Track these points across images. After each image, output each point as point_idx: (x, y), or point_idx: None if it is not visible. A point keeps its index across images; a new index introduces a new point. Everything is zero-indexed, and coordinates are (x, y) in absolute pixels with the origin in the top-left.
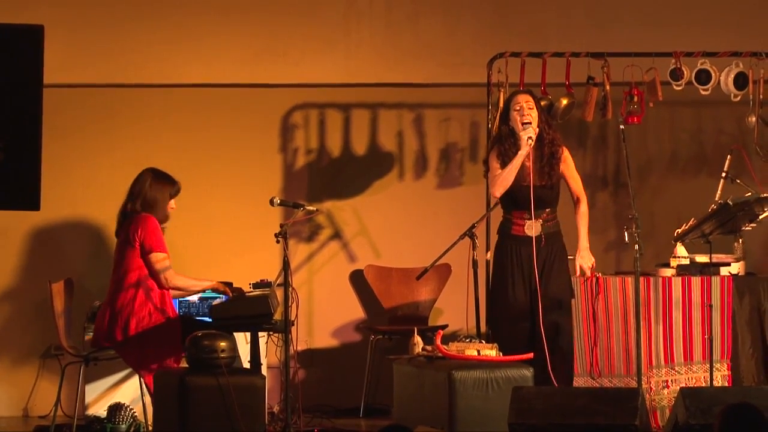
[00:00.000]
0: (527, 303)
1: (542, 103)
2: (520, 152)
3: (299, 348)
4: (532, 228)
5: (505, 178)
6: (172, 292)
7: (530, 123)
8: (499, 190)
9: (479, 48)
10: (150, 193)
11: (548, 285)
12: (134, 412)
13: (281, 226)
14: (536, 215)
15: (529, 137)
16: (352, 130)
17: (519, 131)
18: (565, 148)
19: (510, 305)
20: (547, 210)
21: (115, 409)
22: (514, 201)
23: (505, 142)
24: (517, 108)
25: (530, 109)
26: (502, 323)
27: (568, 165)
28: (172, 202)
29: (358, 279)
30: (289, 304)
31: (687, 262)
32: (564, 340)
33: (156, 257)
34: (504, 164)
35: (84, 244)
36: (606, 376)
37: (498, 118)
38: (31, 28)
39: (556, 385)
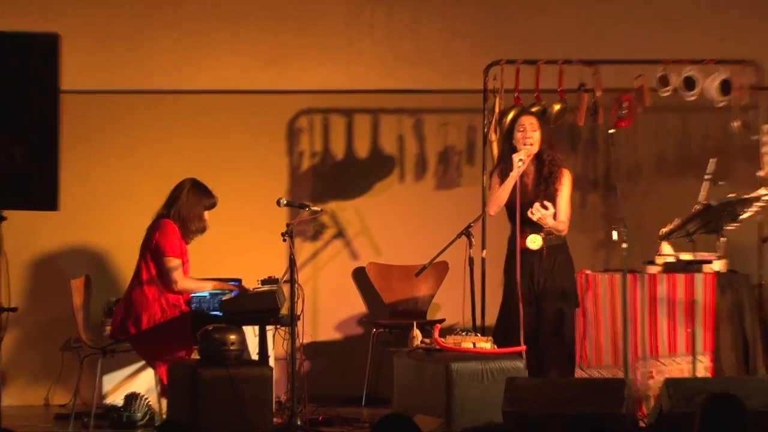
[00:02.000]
0: (532, 308)
1: (536, 108)
2: (511, 174)
3: (305, 341)
4: (534, 241)
5: (498, 198)
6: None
7: (531, 145)
8: (493, 209)
9: (476, 56)
10: (185, 202)
11: (555, 284)
12: (149, 402)
13: (287, 225)
14: (536, 230)
15: (520, 159)
16: (355, 134)
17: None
18: (566, 171)
19: (516, 302)
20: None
21: (131, 398)
22: (514, 216)
23: (506, 161)
24: (521, 129)
25: (533, 131)
26: (510, 316)
27: (563, 186)
28: (206, 214)
29: (360, 275)
30: (295, 299)
31: (672, 259)
32: (567, 332)
33: (168, 261)
34: (503, 182)
35: (101, 242)
36: (595, 367)
37: (495, 131)
38: (48, 36)
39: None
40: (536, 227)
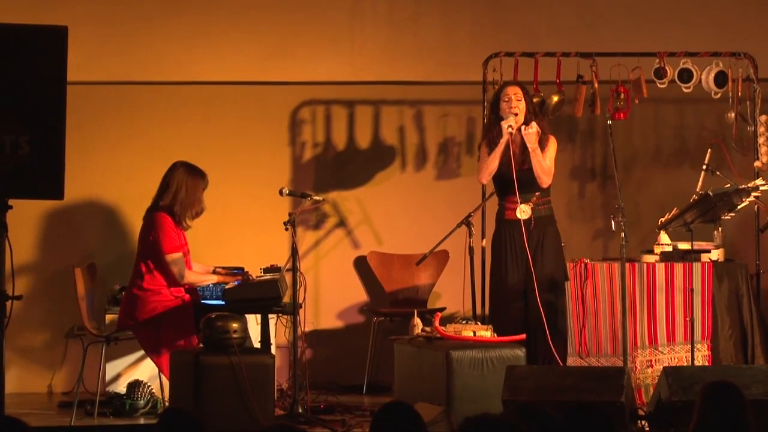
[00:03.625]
0: (521, 284)
1: (534, 99)
2: (501, 141)
3: (306, 329)
4: (523, 212)
5: (488, 166)
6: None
7: (517, 114)
8: (484, 177)
9: (475, 48)
10: (185, 189)
11: (542, 266)
12: (152, 389)
13: (290, 214)
14: (525, 199)
15: (509, 126)
16: (356, 125)
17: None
18: (552, 137)
19: (506, 286)
20: (536, 194)
21: (134, 386)
22: (504, 186)
23: (493, 131)
24: (506, 99)
25: (518, 100)
26: (499, 303)
27: (548, 150)
28: (203, 195)
29: (361, 264)
30: (297, 287)
31: (670, 249)
32: (558, 319)
33: (170, 258)
34: (492, 152)
35: (105, 230)
36: (594, 355)
37: (490, 107)
38: (55, 29)
39: (559, 360)
40: (526, 198)
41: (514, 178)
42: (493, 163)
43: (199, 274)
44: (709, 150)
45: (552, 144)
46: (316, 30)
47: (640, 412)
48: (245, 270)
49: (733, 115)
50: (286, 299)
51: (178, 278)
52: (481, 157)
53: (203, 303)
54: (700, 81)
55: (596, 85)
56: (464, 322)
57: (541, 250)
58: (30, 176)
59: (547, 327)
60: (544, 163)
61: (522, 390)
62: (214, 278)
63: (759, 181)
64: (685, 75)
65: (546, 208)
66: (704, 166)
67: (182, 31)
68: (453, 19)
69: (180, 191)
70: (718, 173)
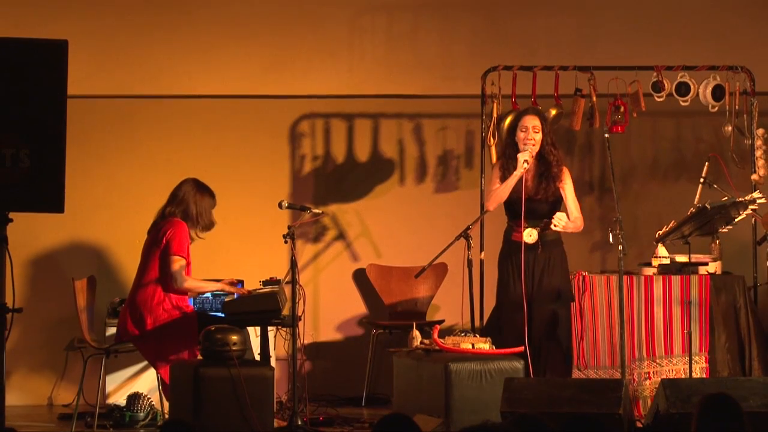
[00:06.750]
0: (527, 297)
1: None
2: (514, 173)
3: (305, 341)
4: (530, 235)
5: (498, 195)
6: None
7: (534, 145)
8: (492, 205)
9: (474, 62)
10: (195, 200)
11: (549, 283)
12: (152, 401)
13: (289, 227)
14: (534, 225)
15: (525, 161)
16: (356, 138)
17: (521, 151)
18: (566, 169)
19: (511, 303)
20: (545, 221)
21: (134, 398)
22: (513, 211)
23: (509, 158)
24: (523, 130)
25: (536, 132)
26: (504, 314)
27: (567, 185)
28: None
29: (360, 277)
30: (297, 300)
31: (668, 261)
32: (562, 333)
33: (174, 259)
34: (504, 177)
35: (105, 243)
36: (592, 368)
37: (493, 135)
38: (56, 42)
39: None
40: (534, 223)
41: (522, 208)
42: (503, 193)
43: (198, 280)
44: (706, 163)
45: (568, 177)
46: (316, 44)
47: (638, 424)
48: (244, 283)
49: (730, 128)
50: (286, 312)
51: (174, 282)
52: (492, 179)
53: (208, 314)
54: (697, 94)
55: (594, 98)
56: (463, 334)
57: (548, 270)
58: (30, 189)
59: (551, 339)
60: (576, 222)
61: (520, 402)
62: (214, 286)
63: (756, 194)
64: (683, 88)
65: (553, 233)
66: (702, 179)
67: (182, 45)
68: (451, 32)
69: (186, 201)
70: (715, 186)
